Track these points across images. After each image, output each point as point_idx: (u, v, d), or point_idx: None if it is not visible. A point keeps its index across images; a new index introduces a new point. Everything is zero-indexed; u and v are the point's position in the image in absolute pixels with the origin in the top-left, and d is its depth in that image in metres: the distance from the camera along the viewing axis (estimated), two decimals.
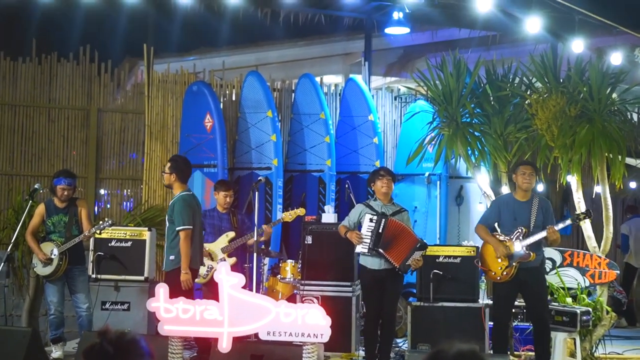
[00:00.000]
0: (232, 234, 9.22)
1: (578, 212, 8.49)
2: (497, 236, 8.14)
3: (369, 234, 8.12)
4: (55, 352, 8.84)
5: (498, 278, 8.11)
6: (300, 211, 9.33)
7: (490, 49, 12.53)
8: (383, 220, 8.13)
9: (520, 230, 7.99)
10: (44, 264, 8.75)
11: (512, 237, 8.02)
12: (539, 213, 8.06)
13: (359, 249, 8.21)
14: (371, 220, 8.17)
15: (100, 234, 8.93)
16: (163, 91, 11.42)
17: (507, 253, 7.95)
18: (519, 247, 7.95)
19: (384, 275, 8.18)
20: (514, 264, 7.97)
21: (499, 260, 8.05)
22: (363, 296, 8.75)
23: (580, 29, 10.17)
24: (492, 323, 8.48)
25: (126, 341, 3.02)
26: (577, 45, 9.08)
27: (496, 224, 8.27)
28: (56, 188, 8.86)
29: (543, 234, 7.90)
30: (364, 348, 9.23)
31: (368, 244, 8.13)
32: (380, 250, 8.08)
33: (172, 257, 7.95)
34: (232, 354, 6.65)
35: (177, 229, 7.87)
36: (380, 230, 8.10)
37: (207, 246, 9.14)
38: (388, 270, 8.17)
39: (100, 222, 8.87)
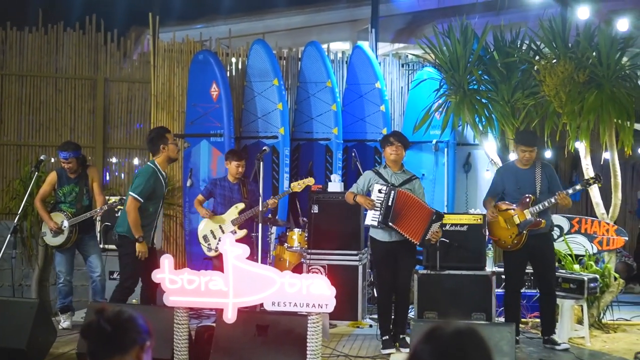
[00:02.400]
0: (241, 206, 9.13)
1: (587, 177, 8.41)
2: (504, 205, 8.11)
3: (378, 205, 7.89)
4: (64, 322, 8.90)
5: (508, 247, 8.11)
6: (310, 180, 9.27)
7: (498, 14, 12.39)
8: (392, 192, 7.87)
9: (528, 197, 7.96)
10: (53, 234, 8.79)
11: (519, 205, 7.99)
12: (543, 179, 8.04)
13: (368, 221, 7.98)
14: (380, 191, 7.91)
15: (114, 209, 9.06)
16: (169, 60, 11.37)
17: (493, 216, 8.05)
18: (528, 215, 7.92)
19: (395, 247, 8.00)
20: (524, 231, 7.95)
21: (508, 228, 8.03)
22: (375, 269, 8.58)
23: None
24: (503, 290, 8.47)
25: (124, 319, 3.00)
26: (584, 12, 8.95)
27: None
28: (61, 162, 8.90)
29: (552, 200, 7.87)
30: (372, 317, 9.26)
31: (377, 217, 7.90)
32: (392, 225, 7.84)
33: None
34: (238, 324, 6.66)
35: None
36: (389, 203, 7.85)
37: (218, 218, 9.14)
38: (400, 242, 7.97)
39: (114, 201, 8.95)
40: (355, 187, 8.22)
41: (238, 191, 9.26)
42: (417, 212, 7.89)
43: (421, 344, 2.59)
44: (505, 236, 8.10)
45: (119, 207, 9.11)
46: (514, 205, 8.07)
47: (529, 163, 8.09)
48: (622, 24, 8.90)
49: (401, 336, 8.11)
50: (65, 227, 8.77)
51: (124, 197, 8.90)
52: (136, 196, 7.97)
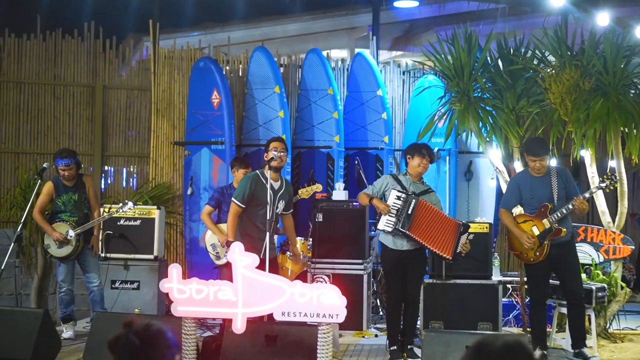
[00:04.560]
0: None
1: (602, 177, 8.07)
2: (522, 217, 7.97)
3: (395, 211, 7.74)
4: (67, 332, 8.81)
5: (532, 259, 7.84)
6: (317, 187, 9.15)
7: (498, 21, 12.36)
8: (413, 201, 7.73)
9: (544, 206, 7.76)
10: (58, 245, 8.68)
11: (537, 215, 7.81)
12: (560, 186, 7.79)
13: (381, 226, 7.81)
14: (398, 197, 7.76)
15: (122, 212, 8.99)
16: (169, 67, 11.30)
17: (531, 242, 7.72)
18: (547, 224, 7.73)
19: (407, 255, 7.88)
20: (545, 242, 7.73)
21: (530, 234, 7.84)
22: (385, 277, 8.47)
23: (604, 0, 10.02)
24: (508, 300, 8.36)
25: (153, 332, 2.93)
26: (603, 18, 8.91)
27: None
28: (57, 169, 8.81)
29: (569, 206, 7.65)
30: (377, 327, 9.18)
31: (394, 223, 7.74)
32: (409, 233, 7.68)
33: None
34: (246, 334, 6.58)
35: None
36: (409, 212, 7.73)
37: (224, 226, 9.03)
38: (411, 251, 7.87)
39: (121, 205, 8.86)
40: (372, 189, 8.02)
41: None
42: (443, 226, 7.82)
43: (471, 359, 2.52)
44: (527, 249, 7.88)
45: (120, 214, 9.05)
46: (532, 215, 7.86)
47: (542, 171, 7.92)
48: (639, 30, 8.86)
49: (409, 346, 8.02)
50: (71, 236, 8.67)
51: (128, 205, 8.84)
52: None
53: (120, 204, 8.97)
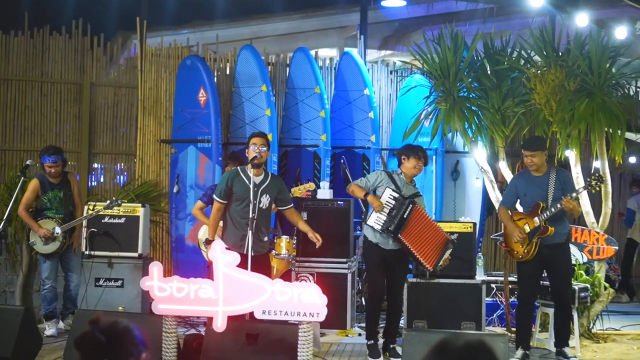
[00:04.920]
0: None
1: (589, 178, 8.09)
2: (516, 214, 8.01)
3: (387, 210, 7.76)
4: (49, 329, 8.80)
5: (520, 257, 7.90)
6: (310, 186, 9.10)
7: (487, 21, 12.37)
8: (410, 205, 7.80)
9: (538, 204, 7.80)
10: (44, 241, 8.68)
11: (530, 212, 7.85)
12: (556, 186, 7.83)
13: (371, 222, 7.84)
14: (394, 198, 7.80)
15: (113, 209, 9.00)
16: (156, 65, 11.28)
17: (522, 237, 7.77)
18: (537, 222, 7.76)
19: (392, 254, 7.94)
20: (533, 240, 7.78)
21: (522, 230, 7.87)
22: (367, 273, 8.50)
23: (583, 2, 10.04)
24: (492, 300, 8.38)
25: (119, 330, 2.92)
26: (582, 19, 8.93)
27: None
28: (44, 166, 8.79)
29: (558, 205, 7.66)
30: (361, 325, 9.18)
31: (384, 222, 7.78)
32: (401, 237, 7.74)
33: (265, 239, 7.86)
34: (227, 333, 6.58)
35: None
36: (405, 215, 7.76)
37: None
38: (397, 250, 7.93)
39: (110, 201, 8.85)
40: (365, 183, 8.01)
41: None
42: (433, 237, 7.93)
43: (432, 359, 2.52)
44: (518, 246, 7.90)
45: (106, 212, 9.04)
46: (526, 213, 7.93)
47: (538, 169, 7.92)
48: (621, 32, 8.87)
49: (391, 346, 8.03)
50: (57, 233, 8.67)
51: (116, 202, 8.83)
52: None
53: (108, 202, 8.94)
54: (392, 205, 7.79)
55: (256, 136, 7.77)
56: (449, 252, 7.98)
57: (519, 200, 8.18)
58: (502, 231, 8.49)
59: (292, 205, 8.02)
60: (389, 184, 7.93)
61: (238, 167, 7.83)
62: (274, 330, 6.77)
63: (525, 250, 7.85)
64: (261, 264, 7.51)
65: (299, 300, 6.39)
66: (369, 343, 8.01)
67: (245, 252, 7.31)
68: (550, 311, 8.37)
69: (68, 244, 8.83)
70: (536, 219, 7.79)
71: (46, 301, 8.88)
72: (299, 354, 6.45)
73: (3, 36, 11.55)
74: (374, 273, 8.09)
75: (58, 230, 8.69)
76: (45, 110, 11.65)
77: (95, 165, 11.86)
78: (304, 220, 8.19)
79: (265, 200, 7.69)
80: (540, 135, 8.78)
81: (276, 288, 6.44)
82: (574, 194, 7.84)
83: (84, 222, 9.09)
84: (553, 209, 7.73)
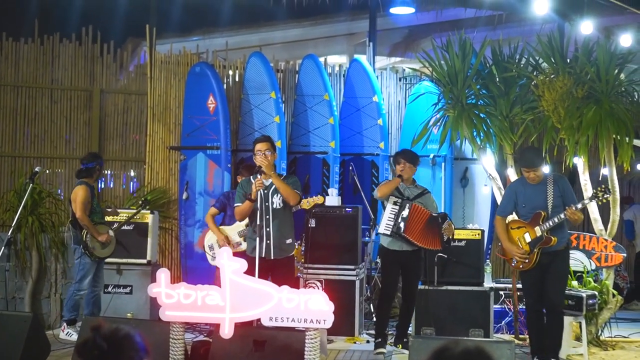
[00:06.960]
0: None
1: (596, 189, 8.02)
2: (516, 223, 7.92)
3: (392, 216, 8.29)
4: (73, 335, 8.70)
5: (521, 267, 7.81)
6: (319, 199, 9.09)
7: (496, 28, 12.38)
8: (407, 205, 8.30)
9: (539, 213, 7.69)
10: (102, 246, 8.77)
11: (531, 221, 7.74)
12: (556, 193, 7.72)
13: (382, 230, 8.36)
14: (395, 203, 8.33)
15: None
16: (165, 72, 11.32)
17: (523, 256, 7.72)
18: (539, 232, 7.67)
19: (405, 256, 8.36)
20: (535, 250, 7.69)
21: (520, 247, 7.78)
22: (381, 274, 8.90)
23: (589, 9, 10.03)
24: (501, 307, 8.37)
25: (120, 337, 2.94)
26: (587, 27, 8.93)
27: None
28: (100, 171, 9.04)
29: (561, 215, 7.56)
30: (370, 332, 9.19)
31: (391, 227, 8.27)
32: (405, 235, 8.22)
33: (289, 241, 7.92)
34: (234, 339, 6.59)
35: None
36: (405, 216, 8.25)
37: (224, 229, 9.06)
38: (410, 252, 8.34)
39: (139, 208, 9.20)
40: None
41: None
42: (429, 224, 8.30)
43: None
44: (520, 260, 7.81)
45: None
46: (526, 222, 7.80)
47: (538, 180, 7.80)
48: (626, 39, 8.85)
49: (405, 340, 8.31)
50: (112, 236, 8.87)
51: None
52: None
53: (139, 207, 9.15)
54: (396, 211, 8.27)
55: (259, 142, 7.85)
56: (446, 222, 8.31)
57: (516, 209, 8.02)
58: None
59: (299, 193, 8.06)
60: (392, 193, 8.39)
61: (250, 177, 7.89)
62: (280, 336, 6.78)
63: (527, 261, 7.76)
64: (283, 268, 7.62)
65: (306, 307, 6.40)
66: (376, 341, 8.32)
67: (263, 256, 7.48)
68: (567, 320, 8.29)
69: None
70: (537, 228, 7.68)
71: (77, 307, 8.89)
72: None
73: (13, 43, 11.60)
74: (387, 273, 8.50)
75: (111, 233, 8.83)
76: (55, 117, 11.68)
77: (105, 172, 11.89)
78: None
79: (277, 201, 7.74)
80: (535, 147, 8.76)
81: (283, 295, 6.45)
82: (579, 205, 7.66)
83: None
84: (556, 219, 7.60)
